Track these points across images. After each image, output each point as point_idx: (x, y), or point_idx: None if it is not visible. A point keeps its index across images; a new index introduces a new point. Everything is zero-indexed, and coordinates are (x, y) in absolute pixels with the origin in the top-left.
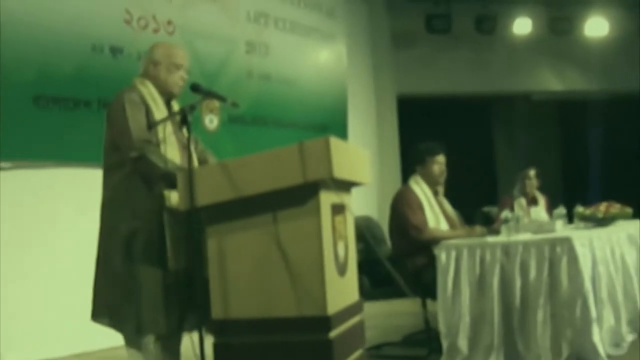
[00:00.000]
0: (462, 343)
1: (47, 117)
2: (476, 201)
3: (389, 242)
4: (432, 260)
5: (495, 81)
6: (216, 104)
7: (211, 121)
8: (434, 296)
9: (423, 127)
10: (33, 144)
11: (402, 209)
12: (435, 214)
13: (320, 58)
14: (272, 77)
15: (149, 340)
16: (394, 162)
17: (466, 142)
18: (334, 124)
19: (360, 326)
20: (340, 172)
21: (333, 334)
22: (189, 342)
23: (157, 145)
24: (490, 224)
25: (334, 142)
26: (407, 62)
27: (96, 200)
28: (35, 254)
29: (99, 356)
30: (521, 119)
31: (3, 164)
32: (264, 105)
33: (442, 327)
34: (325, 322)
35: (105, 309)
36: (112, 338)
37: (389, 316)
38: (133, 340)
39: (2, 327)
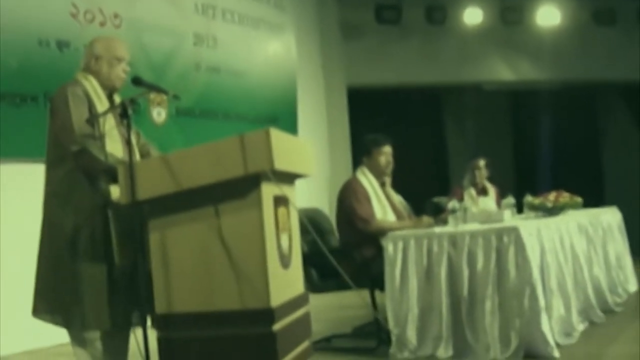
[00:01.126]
0: (411, 334)
1: None
2: (427, 192)
3: (336, 234)
4: (379, 252)
5: (446, 71)
6: (164, 97)
7: (159, 114)
8: (382, 287)
9: (374, 118)
10: None
11: (349, 200)
12: (382, 205)
13: (269, 50)
14: (220, 69)
15: (94, 337)
16: (345, 154)
17: (417, 132)
18: (284, 115)
19: (305, 318)
20: (282, 163)
21: (277, 326)
22: (133, 337)
23: (100, 139)
24: (440, 215)
25: (275, 133)
26: (357, 53)
27: (42, 195)
28: None
29: (51, 352)
30: (472, 109)
31: None
32: (213, 97)
33: (390, 319)
34: (268, 315)
35: (48, 305)
36: (62, 334)
37: (338, 308)
38: (78, 337)
39: None
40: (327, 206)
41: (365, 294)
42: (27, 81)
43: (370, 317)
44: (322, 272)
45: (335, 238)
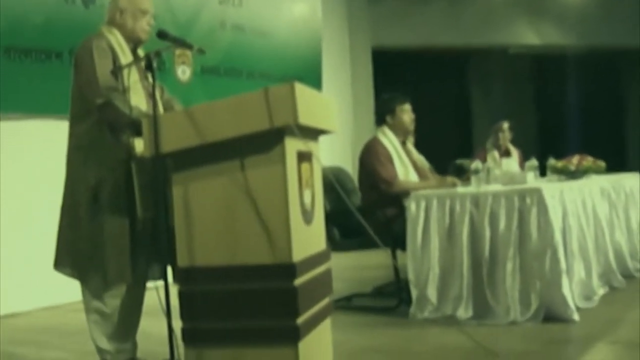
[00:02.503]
0: (432, 294)
1: (18, 69)
2: (450, 154)
3: (358, 194)
4: (402, 211)
5: (471, 34)
6: (188, 54)
7: (184, 72)
8: (404, 247)
9: (398, 80)
10: (3, 96)
11: (371, 162)
12: (404, 164)
13: (295, 9)
14: (245, 28)
15: (115, 293)
16: (368, 114)
17: (441, 94)
18: (308, 75)
19: (327, 275)
20: (306, 118)
21: (298, 281)
22: (154, 291)
23: (124, 92)
24: (463, 176)
25: (299, 88)
26: (382, 13)
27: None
28: (3, 206)
29: (68, 309)
30: (497, 73)
31: None
32: (237, 56)
33: (411, 278)
34: (290, 270)
35: (70, 258)
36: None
37: (358, 268)
38: (94, 293)
39: None
40: (350, 166)
41: (387, 253)
42: (52, 37)
43: (390, 277)
44: (344, 230)
45: (358, 197)
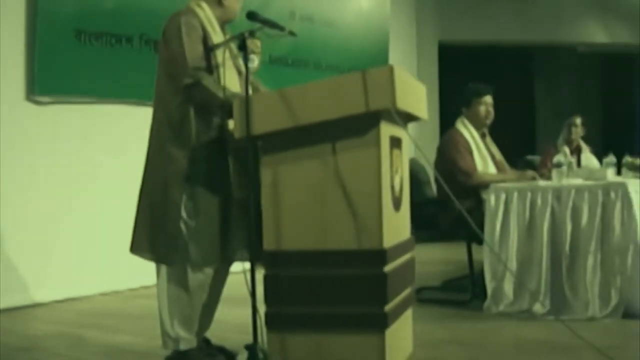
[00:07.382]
0: (508, 288)
1: (88, 53)
2: (514, 150)
3: (432, 185)
4: (479, 204)
5: (539, 31)
6: (257, 43)
7: (252, 61)
8: (478, 240)
9: (463, 75)
10: (73, 79)
11: (450, 153)
12: (483, 157)
13: (363, 2)
14: (314, 19)
15: (202, 274)
16: (433, 108)
17: (506, 91)
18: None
19: (411, 264)
20: (403, 103)
21: (388, 268)
22: (241, 275)
23: (216, 69)
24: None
25: (398, 71)
26: (451, 8)
27: (135, 136)
28: (71, 190)
29: (127, 295)
30: (564, 71)
31: (42, 99)
32: (305, 47)
33: (487, 272)
34: (380, 256)
35: (151, 241)
36: (140, 277)
37: (426, 262)
38: (177, 273)
39: (33, 265)
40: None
41: (459, 247)
42: (123, 22)
43: (457, 272)
44: (417, 223)
45: (431, 189)
